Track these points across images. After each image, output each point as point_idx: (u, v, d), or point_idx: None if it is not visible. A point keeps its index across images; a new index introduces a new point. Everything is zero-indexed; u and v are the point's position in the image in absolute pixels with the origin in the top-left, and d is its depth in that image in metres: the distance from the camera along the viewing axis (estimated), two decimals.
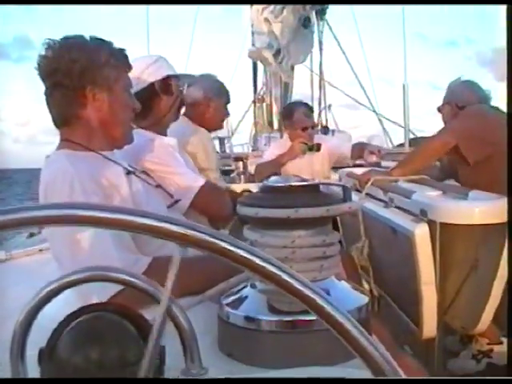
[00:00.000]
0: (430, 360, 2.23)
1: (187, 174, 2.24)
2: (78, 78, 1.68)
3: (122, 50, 1.81)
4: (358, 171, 3.26)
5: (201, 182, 2.23)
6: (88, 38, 1.75)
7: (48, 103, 1.74)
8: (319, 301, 0.72)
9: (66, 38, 1.72)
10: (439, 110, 3.22)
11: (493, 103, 3.08)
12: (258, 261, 0.71)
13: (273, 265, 0.72)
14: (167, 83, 2.40)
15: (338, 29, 6.50)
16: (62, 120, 1.75)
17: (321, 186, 1.20)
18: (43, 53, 1.69)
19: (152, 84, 2.37)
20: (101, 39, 1.78)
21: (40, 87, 1.74)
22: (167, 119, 2.44)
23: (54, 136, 1.79)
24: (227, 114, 3.31)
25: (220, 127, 3.35)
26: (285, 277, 0.72)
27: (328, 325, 0.73)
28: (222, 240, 0.68)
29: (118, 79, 1.75)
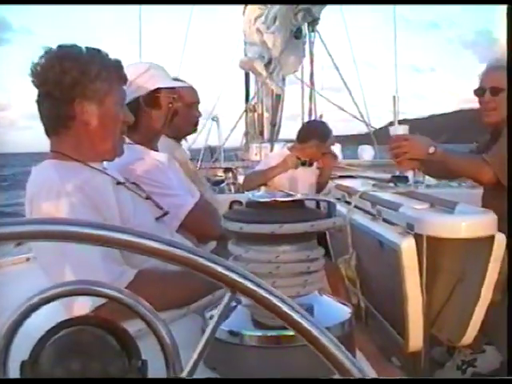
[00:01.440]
0: (417, 372, 2.23)
1: (177, 194, 2.20)
2: (68, 90, 1.68)
3: (117, 62, 1.80)
4: (347, 183, 3.28)
5: (191, 202, 2.20)
6: (83, 49, 1.74)
7: (39, 111, 1.74)
8: (294, 315, 0.73)
9: (60, 47, 1.72)
10: (476, 93, 2.87)
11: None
12: (235, 277, 0.72)
13: (250, 280, 0.72)
14: (155, 96, 2.32)
15: (329, 38, 6.51)
16: (51, 130, 1.75)
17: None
18: (37, 60, 1.69)
19: (137, 98, 2.27)
20: (96, 50, 1.77)
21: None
22: (158, 133, 2.38)
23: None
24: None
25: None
26: (262, 292, 0.73)
27: (304, 338, 0.74)
28: (199, 256, 0.68)
29: (109, 92, 1.73)
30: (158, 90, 2.30)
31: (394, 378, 1.72)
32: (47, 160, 1.73)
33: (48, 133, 1.76)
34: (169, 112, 2.32)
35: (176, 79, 2.61)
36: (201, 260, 0.69)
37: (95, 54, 1.75)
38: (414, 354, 2.20)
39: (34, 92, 1.74)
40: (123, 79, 1.82)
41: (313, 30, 5.86)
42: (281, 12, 5.57)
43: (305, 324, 0.72)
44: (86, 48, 1.75)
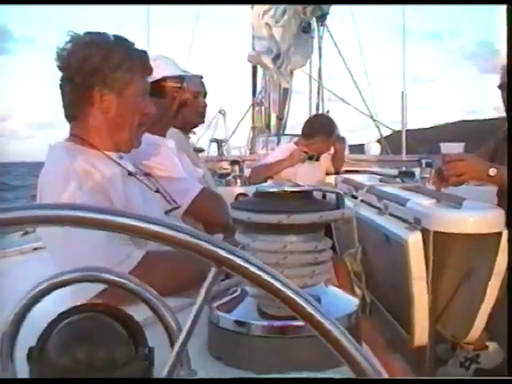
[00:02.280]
0: (421, 368, 2.23)
1: (184, 179, 2.22)
2: (88, 77, 1.69)
3: (142, 53, 1.80)
4: (355, 177, 3.27)
5: (198, 187, 2.21)
6: (110, 37, 1.75)
7: (61, 96, 1.76)
8: (307, 307, 0.73)
9: (87, 33, 1.73)
10: (500, 87, 2.79)
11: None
12: (247, 265, 0.71)
13: (262, 270, 0.72)
14: (160, 85, 2.36)
15: (337, 33, 6.50)
16: (70, 115, 1.76)
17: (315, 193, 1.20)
18: (63, 45, 1.71)
19: None
20: (123, 39, 1.77)
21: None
22: (165, 123, 2.40)
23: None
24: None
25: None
26: (273, 282, 0.73)
27: (316, 331, 0.74)
28: (210, 243, 0.68)
29: (130, 83, 1.73)
30: (163, 79, 2.34)
31: (398, 377, 1.72)
32: (63, 141, 1.74)
33: (67, 118, 1.77)
34: (174, 101, 2.36)
35: (184, 71, 2.62)
36: (210, 247, 0.69)
37: (120, 44, 1.75)
38: (419, 349, 2.20)
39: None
40: (148, 70, 1.82)
41: (322, 25, 5.85)
42: (290, 6, 5.56)
43: (316, 315, 0.72)
44: (114, 36, 1.76)
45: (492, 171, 2.29)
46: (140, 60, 1.77)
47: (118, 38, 1.76)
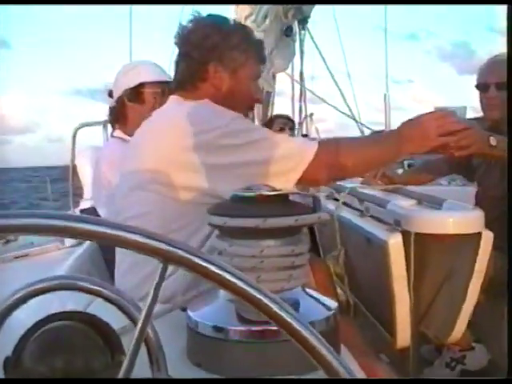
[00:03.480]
0: (405, 369, 2.23)
1: None
2: (206, 53, 1.74)
3: (258, 41, 1.87)
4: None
5: None
6: (229, 20, 1.83)
7: (175, 71, 1.82)
8: (278, 310, 0.73)
9: (209, 15, 1.81)
10: (478, 87, 2.78)
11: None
12: (221, 272, 0.71)
13: (233, 275, 0.72)
14: (139, 91, 2.38)
15: (320, 36, 6.51)
16: (180, 88, 1.80)
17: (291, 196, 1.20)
18: (185, 23, 1.78)
19: (121, 95, 2.38)
20: (242, 25, 1.90)
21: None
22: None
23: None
24: None
25: None
26: (243, 286, 0.72)
27: (289, 335, 0.74)
28: (178, 248, 0.68)
29: (244, 64, 1.78)
30: (141, 85, 2.35)
31: (384, 378, 1.72)
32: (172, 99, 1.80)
33: (177, 91, 1.81)
34: (154, 107, 2.36)
35: (169, 77, 2.63)
36: (180, 252, 0.68)
37: (239, 27, 1.84)
38: (403, 351, 2.20)
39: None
40: (261, 59, 1.86)
41: (303, 28, 5.85)
42: (271, 10, 5.56)
43: (288, 319, 0.72)
44: (234, 21, 1.86)
45: (492, 140, 2.15)
46: (256, 46, 1.83)
47: (237, 23, 1.90)
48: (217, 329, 1.11)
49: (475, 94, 2.79)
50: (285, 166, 1.61)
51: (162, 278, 0.70)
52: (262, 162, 1.59)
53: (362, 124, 7.37)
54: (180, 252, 0.69)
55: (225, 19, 1.83)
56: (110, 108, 2.47)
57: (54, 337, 0.96)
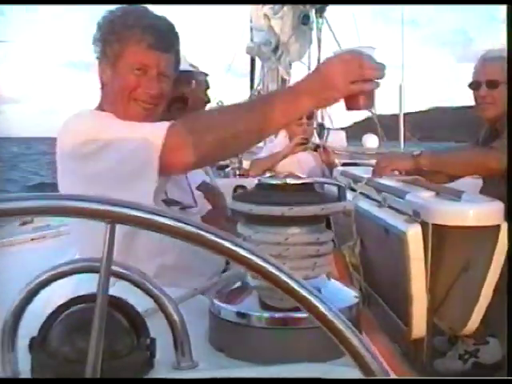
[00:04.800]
0: (419, 359, 2.24)
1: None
2: (97, 49, 1.70)
3: (149, 27, 1.65)
4: (353, 169, 3.27)
5: (198, 183, 2.21)
6: (122, 8, 1.69)
7: None
8: (312, 299, 0.73)
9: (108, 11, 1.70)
10: (471, 86, 2.78)
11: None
12: (252, 257, 0.72)
13: (268, 262, 0.72)
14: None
15: (336, 24, 6.48)
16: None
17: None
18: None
19: None
20: (130, 9, 1.70)
21: None
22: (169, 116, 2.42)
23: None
24: None
25: None
26: (279, 274, 0.73)
27: (320, 323, 0.74)
28: (219, 237, 0.68)
29: (122, 54, 1.65)
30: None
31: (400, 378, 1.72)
32: (88, 110, 1.74)
33: None
34: (183, 96, 2.35)
35: (191, 65, 2.62)
36: (220, 241, 0.69)
37: (125, 12, 1.67)
38: (417, 341, 2.20)
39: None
40: (151, 45, 1.64)
41: (320, 17, 5.83)
42: None
43: (320, 307, 0.72)
44: (130, 7, 1.71)
45: (415, 152, 2.50)
46: (142, 32, 1.64)
47: (126, 7, 1.71)
48: (240, 315, 1.11)
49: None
50: (137, 162, 1.48)
51: (111, 238, 0.70)
52: (114, 167, 1.50)
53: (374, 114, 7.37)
54: (126, 210, 0.69)
55: (116, 9, 1.69)
56: None
57: (79, 319, 0.96)
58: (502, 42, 2.31)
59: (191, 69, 2.44)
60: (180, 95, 2.38)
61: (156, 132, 1.48)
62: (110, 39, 1.65)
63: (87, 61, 1.73)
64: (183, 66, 2.39)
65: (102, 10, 1.75)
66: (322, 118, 6.80)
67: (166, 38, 1.68)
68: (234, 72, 9.53)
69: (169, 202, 1.71)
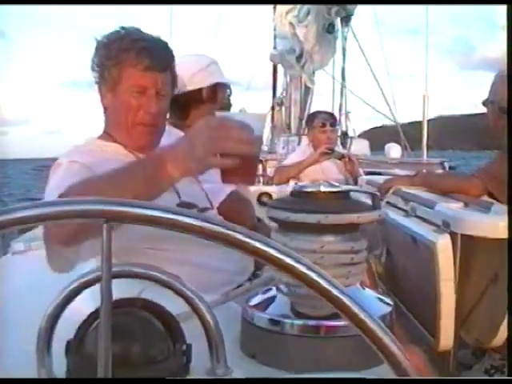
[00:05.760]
0: (445, 372, 2.21)
1: (213, 181, 2.20)
2: (96, 74, 1.71)
3: (144, 49, 1.65)
4: (378, 178, 3.25)
5: (226, 191, 2.22)
6: (117, 31, 1.69)
7: None
8: (352, 306, 0.73)
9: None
10: (484, 104, 2.72)
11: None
12: (293, 263, 0.71)
13: (308, 268, 0.72)
14: (214, 90, 2.40)
15: (360, 33, 6.48)
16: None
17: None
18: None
19: (199, 89, 2.37)
20: (123, 31, 1.68)
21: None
22: None
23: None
24: None
25: None
26: (320, 280, 0.72)
27: (359, 330, 0.73)
28: (258, 241, 0.68)
29: (121, 77, 1.66)
30: (217, 84, 2.38)
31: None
32: (95, 138, 1.76)
33: None
34: (221, 105, 2.42)
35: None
36: (259, 245, 0.69)
37: (117, 37, 1.68)
38: (443, 353, 2.18)
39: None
40: (147, 67, 1.65)
41: (346, 25, 5.83)
42: (314, 6, 5.55)
43: (361, 315, 0.72)
44: (124, 29, 1.70)
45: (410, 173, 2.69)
46: (138, 53, 1.63)
47: (119, 32, 1.69)
48: (273, 322, 1.11)
49: (475, 90, 2.73)
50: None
51: (109, 238, 0.69)
52: None
53: (397, 123, 7.34)
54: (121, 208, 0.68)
55: (114, 32, 1.69)
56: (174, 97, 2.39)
57: (115, 323, 0.97)
58: (503, 49, 2.29)
59: (221, 80, 2.47)
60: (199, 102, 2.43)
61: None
62: (107, 64, 1.67)
63: (89, 80, 1.75)
64: (222, 78, 2.44)
65: (102, 29, 1.77)
66: (347, 128, 6.79)
67: (161, 59, 1.69)
68: (255, 79, 9.54)
69: (183, 205, 1.70)
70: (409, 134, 7.80)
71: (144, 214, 0.68)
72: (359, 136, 7.70)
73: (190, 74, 2.32)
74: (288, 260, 0.70)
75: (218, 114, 1.39)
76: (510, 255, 1.94)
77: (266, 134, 8.09)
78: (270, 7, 7.00)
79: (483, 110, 2.75)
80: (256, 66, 8.63)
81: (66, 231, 1.22)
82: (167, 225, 0.68)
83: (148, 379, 0.90)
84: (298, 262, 0.70)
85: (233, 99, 2.86)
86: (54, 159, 1.68)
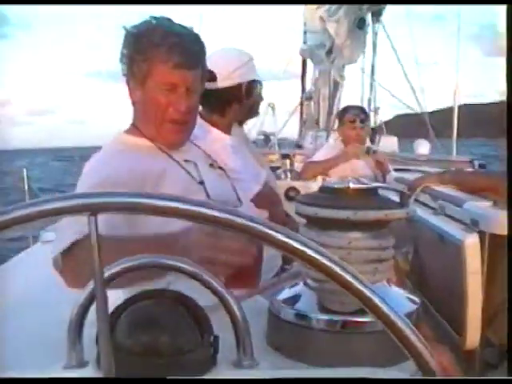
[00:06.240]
0: (470, 371, 2.20)
1: (242, 179, 2.21)
2: (125, 67, 1.70)
3: (174, 45, 1.63)
4: (407, 176, 3.24)
5: (256, 188, 2.23)
6: (148, 23, 1.67)
7: None
8: (378, 302, 0.73)
9: (143, 22, 1.68)
10: None
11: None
12: (318, 256, 0.72)
13: (334, 262, 0.73)
14: (251, 87, 2.43)
15: (391, 30, 6.42)
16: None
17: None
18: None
19: (239, 85, 2.40)
20: (156, 25, 1.66)
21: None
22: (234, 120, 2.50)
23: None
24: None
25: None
26: (345, 275, 0.73)
27: (385, 326, 0.74)
28: (292, 238, 0.69)
29: (151, 73, 1.65)
30: (253, 80, 2.41)
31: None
32: (123, 133, 1.77)
33: None
34: (254, 104, 2.46)
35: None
36: (293, 243, 0.70)
37: (150, 29, 1.66)
38: (469, 352, 2.17)
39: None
40: (178, 63, 1.64)
41: (377, 21, 5.80)
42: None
43: (388, 312, 0.72)
44: (156, 20, 1.67)
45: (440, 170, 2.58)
46: (168, 50, 1.63)
47: (151, 22, 1.67)
48: (299, 316, 1.12)
49: (501, 76, 2.69)
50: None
51: (95, 230, 0.70)
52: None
53: (426, 118, 7.27)
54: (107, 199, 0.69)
55: (145, 22, 1.67)
56: (210, 91, 2.30)
57: (144, 313, 0.99)
58: None
59: (257, 78, 2.50)
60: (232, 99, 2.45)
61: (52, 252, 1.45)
62: (137, 58, 1.65)
63: (114, 70, 1.73)
64: (254, 76, 2.46)
65: (127, 17, 1.76)
66: (376, 124, 6.76)
67: (192, 56, 1.68)
68: (285, 74, 9.52)
69: None
70: (434, 122, 7.73)
71: (130, 202, 0.70)
72: (385, 123, 7.63)
73: (230, 70, 2.34)
74: (313, 253, 0.71)
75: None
76: (509, 254, 1.92)
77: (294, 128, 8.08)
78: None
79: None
80: (286, 61, 8.61)
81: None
82: (150, 211, 0.70)
83: (148, 379, 0.91)
84: (322, 255, 0.71)
85: (263, 93, 2.85)
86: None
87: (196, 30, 1.72)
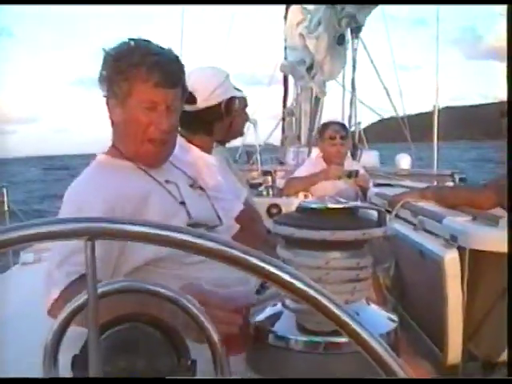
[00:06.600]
0: None
1: (224, 199, 2.20)
2: (103, 87, 1.70)
3: (155, 64, 1.63)
4: (388, 191, 3.25)
5: (238, 208, 2.23)
6: (127, 44, 1.67)
7: None
8: (352, 324, 0.73)
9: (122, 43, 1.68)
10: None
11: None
12: (293, 281, 0.72)
13: (308, 285, 0.72)
14: (231, 103, 2.43)
15: (369, 43, 6.48)
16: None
17: None
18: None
19: (219, 104, 2.41)
20: (134, 45, 1.66)
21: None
22: (214, 139, 2.50)
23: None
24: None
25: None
26: (320, 298, 0.73)
27: (360, 347, 0.74)
28: (256, 257, 0.68)
29: (131, 92, 1.65)
30: (233, 98, 2.41)
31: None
32: (103, 154, 1.75)
33: None
34: (233, 120, 2.46)
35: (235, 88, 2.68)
36: (261, 264, 0.69)
37: (129, 50, 1.65)
38: (451, 367, 2.17)
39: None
40: (160, 83, 1.65)
41: (356, 37, 5.84)
42: (325, 17, 5.56)
43: (361, 333, 0.72)
44: (134, 42, 1.67)
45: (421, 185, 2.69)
46: (149, 69, 1.63)
47: (129, 44, 1.67)
48: (278, 337, 1.12)
49: (482, 80, 2.67)
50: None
51: (92, 255, 0.71)
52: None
53: (407, 132, 7.33)
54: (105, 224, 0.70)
55: (123, 43, 1.67)
56: (188, 112, 2.28)
57: (120, 338, 0.97)
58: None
59: (239, 94, 2.50)
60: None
61: (53, 284, 1.43)
62: (117, 79, 1.65)
63: (95, 77, 1.72)
64: (232, 93, 2.46)
65: (106, 27, 1.75)
66: (358, 139, 6.79)
67: (172, 74, 1.68)
68: (266, 90, 9.54)
69: (194, 225, 1.70)
70: (416, 125, 7.78)
71: (127, 230, 0.70)
72: (366, 128, 7.66)
73: (210, 90, 2.35)
74: (287, 277, 0.70)
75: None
76: (509, 257, 1.94)
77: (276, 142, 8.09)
78: (281, 19, 7.03)
79: (491, 100, 2.73)
80: (267, 77, 8.64)
81: None
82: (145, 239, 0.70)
83: (148, 379, 0.90)
84: (296, 278, 0.70)
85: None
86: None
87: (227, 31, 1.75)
